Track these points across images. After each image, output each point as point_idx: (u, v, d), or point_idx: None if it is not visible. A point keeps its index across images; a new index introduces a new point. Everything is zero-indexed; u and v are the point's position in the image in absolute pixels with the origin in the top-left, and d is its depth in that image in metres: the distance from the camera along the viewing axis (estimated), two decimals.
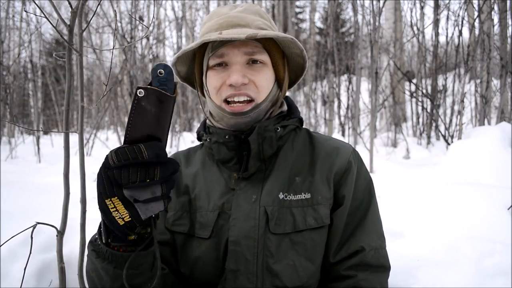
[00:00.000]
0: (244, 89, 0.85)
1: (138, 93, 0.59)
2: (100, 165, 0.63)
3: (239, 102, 0.86)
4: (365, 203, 0.90)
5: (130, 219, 0.63)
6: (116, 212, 0.63)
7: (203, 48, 0.91)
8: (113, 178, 0.62)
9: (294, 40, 0.86)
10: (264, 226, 0.84)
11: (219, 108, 0.88)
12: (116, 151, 0.61)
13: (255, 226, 0.84)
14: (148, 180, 0.61)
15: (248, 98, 0.86)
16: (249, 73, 0.86)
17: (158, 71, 0.60)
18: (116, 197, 0.62)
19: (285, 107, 0.97)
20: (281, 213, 0.85)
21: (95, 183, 0.65)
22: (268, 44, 0.88)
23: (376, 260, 0.86)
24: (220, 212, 0.88)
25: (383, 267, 0.88)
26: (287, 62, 0.95)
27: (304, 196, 0.87)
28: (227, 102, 0.87)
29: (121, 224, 0.63)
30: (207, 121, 0.96)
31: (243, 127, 0.89)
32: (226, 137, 0.88)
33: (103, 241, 0.69)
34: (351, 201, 0.88)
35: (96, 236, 0.73)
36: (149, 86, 0.60)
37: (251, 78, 0.86)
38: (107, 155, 0.62)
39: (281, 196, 0.87)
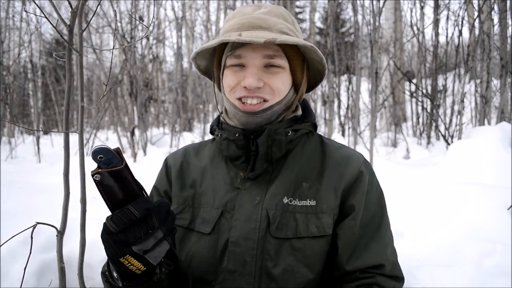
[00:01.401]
0: (258, 92, 0.86)
1: (95, 177, 0.67)
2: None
3: (251, 104, 0.87)
4: (378, 216, 0.90)
5: (145, 268, 0.72)
6: (132, 266, 0.71)
7: (223, 45, 0.92)
8: (120, 241, 0.70)
9: (314, 48, 0.85)
10: (264, 229, 0.84)
11: (233, 106, 0.89)
12: (111, 219, 0.69)
13: (256, 229, 0.84)
14: (150, 231, 0.69)
15: (262, 100, 0.87)
16: (265, 77, 0.86)
17: (98, 156, 0.67)
18: (128, 255, 0.70)
19: (299, 112, 0.97)
20: (284, 217, 0.85)
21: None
22: (288, 48, 0.88)
23: (392, 273, 0.87)
24: (223, 211, 0.88)
25: (400, 278, 0.89)
26: (307, 66, 0.95)
27: (309, 203, 0.86)
28: (241, 100, 0.88)
29: (138, 273, 0.73)
30: (221, 117, 0.97)
31: (254, 127, 0.89)
32: (236, 135, 0.89)
33: (120, 285, 0.77)
34: (363, 213, 0.87)
35: (106, 269, 0.81)
36: (100, 170, 0.68)
37: (266, 81, 0.86)
38: (104, 223, 0.70)
39: (285, 200, 0.87)
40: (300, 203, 0.86)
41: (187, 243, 0.91)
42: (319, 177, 0.89)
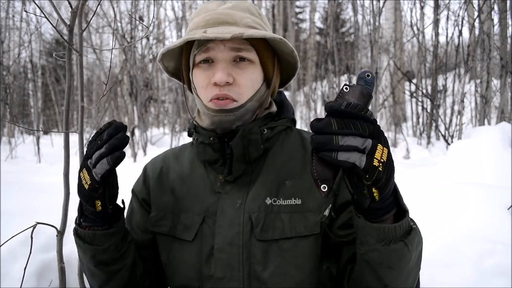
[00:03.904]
0: (226, 90, 0.82)
1: (344, 88, 0.67)
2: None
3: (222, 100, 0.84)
4: None
5: (90, 181, 0.75)
6: (84, 180, 0.76)
7: (190, 44, 0.89)
8: (85, 155, 0.77)
9: (283, 40, 0.83)
10: (248, 232, 0.82)
11: (204, 107, 0.86)
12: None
13: (239, 233, 0.82)
14: (99, 142, 0.74)
15: (229, 98, 0.84)
16: (234, 72, 0.83)
17: (366, 74, 0.68)
18: (84, 168, 0.76)
19: (273, 108, 0.94)
20: (269, 219, 0.82)
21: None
22: (257, 42, 0.85)
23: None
24: (205, 216, 0.86)
25: None
26: (278, 61, 0.92)
27: (294, 202, 0.83)
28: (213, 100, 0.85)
29: (86, 188, 0.76)
30: (194, 121, 0.94)
31: (227, 125, 0.85)
32: (211, 138, 0.86)
33: (76, 222, 0.83)
34: None
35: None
36: (354, 84, 0.67)
37: (235, 77, 0.83)
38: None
39: (268, 201, 0.84)
40: (284, 202, 0.83)
41: (169, 251, 0.89)
42: (302, 173, 0.86)
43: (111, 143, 0.73)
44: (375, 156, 0.60)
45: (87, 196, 0.77)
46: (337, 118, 0.60)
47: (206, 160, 0.90)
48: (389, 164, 0.63)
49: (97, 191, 0.77)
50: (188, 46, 0.89)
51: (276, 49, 0.89)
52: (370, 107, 0.68)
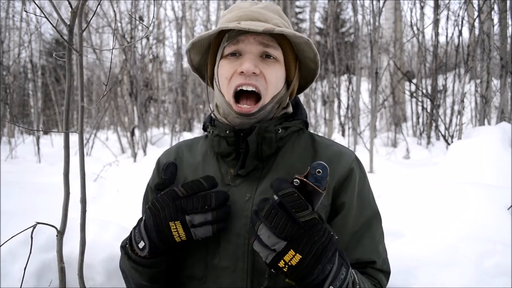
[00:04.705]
0: (254, 80, 0.86)
1: (294, 182, 0.68)
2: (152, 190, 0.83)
3: (247, 93, 0.87)
4: (371, 212, 0.91)
5: (185, 238, 0.80)
6: (176, 232, 0.79)
7: (219, 38, 0.92)
8: (180, 207, 0.79)
9: (309, 42, 0.87)
10: None
11: (226, 104, 0.90)
12: (182, 185, 0.80)
13: (246, 225, 0.85)
14: (206, 207, 0.78)
15: (255, 90, 0.87)
16: (261, 65, 0.87)
17: (317, 170, 0.67)
18: (178, 221, 0.79)
19: (290, 109, 0.98)
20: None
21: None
22: (283, 43, 0.90)
23: (382, 267, 0.89)
24: None
25: (388, 273, 0.92)
26: (299, 66, 0.96)
27: None
28: (236, 99, 0.88)
29: (177, 241, 0.80)
30: (212, 114, 0.98)
31: (247, 126, 0.90)
32: (227, 132, 0.90)
33: (141, 255, 0.83)
34: (354, 210, 0.88)
35: (126, 243, 0.88)
36: (305, 179, 0.68)
37: (262, 70, 0.87)
38: (173, 189, 0.81)
39: (276, 197, 0.86)
40: None
41: None
42: None
43: (219, 215, 0.79)
44: (283, 258, 0.67)
45: (175, 246, 0.82)
46: (273, 205, 0.68)
47: (220, 152, 0.93)
48: (299, 269, 0.67)
49: (185, 242, 0.82)
50: (217, 41, 0.93)
51: (299, 54, 0.94)
52: (319, 203, 0.69)
